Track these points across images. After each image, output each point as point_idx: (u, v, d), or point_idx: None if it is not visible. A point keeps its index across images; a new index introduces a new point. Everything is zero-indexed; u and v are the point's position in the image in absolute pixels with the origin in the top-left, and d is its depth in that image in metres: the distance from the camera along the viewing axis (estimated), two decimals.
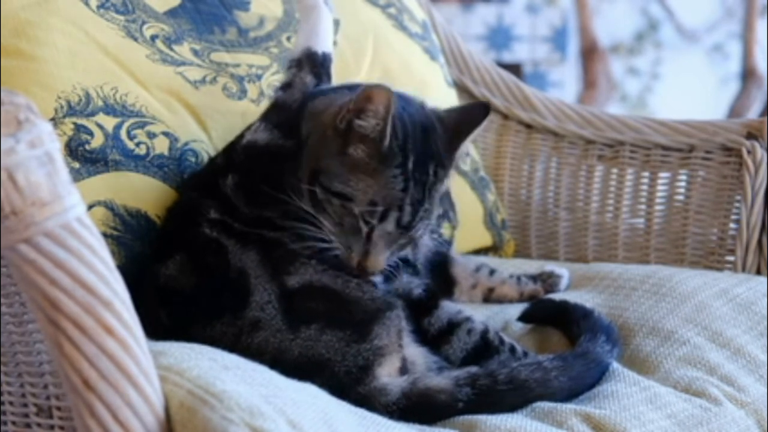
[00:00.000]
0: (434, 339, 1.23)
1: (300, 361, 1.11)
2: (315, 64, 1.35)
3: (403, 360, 1.17)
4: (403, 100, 1.24)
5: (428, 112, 1.26)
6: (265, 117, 1.31)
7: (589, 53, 4.00)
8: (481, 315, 1.39)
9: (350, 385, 1.11)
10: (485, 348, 1.24)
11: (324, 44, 1.37)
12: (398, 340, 1.17)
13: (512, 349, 1.24)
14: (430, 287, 1.29)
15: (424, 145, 1.21)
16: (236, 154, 1.28)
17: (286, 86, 1.35)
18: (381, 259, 1.20)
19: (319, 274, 1.17)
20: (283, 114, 1.30)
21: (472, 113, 1.27)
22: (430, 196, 1.22)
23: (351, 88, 1.28)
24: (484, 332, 1.25)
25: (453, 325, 1.25)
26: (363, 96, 1.17)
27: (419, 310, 1.25)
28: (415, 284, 1.27)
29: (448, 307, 1.27)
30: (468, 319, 1.26)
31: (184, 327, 1.14)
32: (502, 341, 1.25)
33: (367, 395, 1.11)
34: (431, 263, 1.38)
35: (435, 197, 1.23)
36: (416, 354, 1.19)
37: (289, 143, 1.25)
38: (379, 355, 1.14)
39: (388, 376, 1.14)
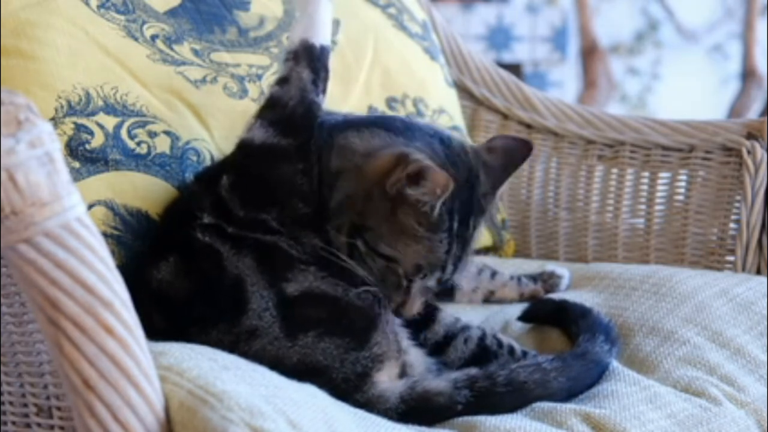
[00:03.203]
0: (432, 352, 1.22)
1: (298, 369, 1.10)
2: (312, 58, 1.29)
3: (402, 365, 1.16)
4: (447, 148, 1.21)
5: (472, 158, 1.22)
6: (261, 114, 1.28)
7: (589, 53, 4.00)
8: (480, 315, 1.39)
9: (348, 392, 1.11)
10: (483, 354, 1.23)
11: (322, 37, 1.31)
12: (397, 345, 1.17)
13: (511, 351, 1.24)
14: (426, 302, 1.27)
15: (467, 200, 1.20)
16: (232, 153, 1.27)
17: (282, 81, 1.29)
18: (417, 305, 1.21)
19: (319, 281, 1.16)
20: (279, 111, 1.27)
21: (517, 152, 1.24)
22: (468, 248, 1.22)
23: (387, 127, 1.25)
24: (481, 338, 1.24)
25: (450, 337, 1.24)
26: (419, 171, 1.14)
27: (416, 326, 1.24)
28: None
29: (445, 320, 1.26)
30: (465, 328, 1.25)
31: (178, 333, 1.12)
32: (500, 344, 1.25)
33: (365, 403, 1.11)
34: None
35: (473, 246, 1.23)
36: (415, 356, 1.19)
37: (284, 143, 1.24)
38: (377, 362, 1.13)
39: (386, 381, 1.14)
